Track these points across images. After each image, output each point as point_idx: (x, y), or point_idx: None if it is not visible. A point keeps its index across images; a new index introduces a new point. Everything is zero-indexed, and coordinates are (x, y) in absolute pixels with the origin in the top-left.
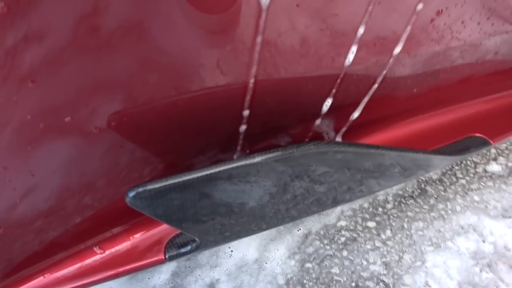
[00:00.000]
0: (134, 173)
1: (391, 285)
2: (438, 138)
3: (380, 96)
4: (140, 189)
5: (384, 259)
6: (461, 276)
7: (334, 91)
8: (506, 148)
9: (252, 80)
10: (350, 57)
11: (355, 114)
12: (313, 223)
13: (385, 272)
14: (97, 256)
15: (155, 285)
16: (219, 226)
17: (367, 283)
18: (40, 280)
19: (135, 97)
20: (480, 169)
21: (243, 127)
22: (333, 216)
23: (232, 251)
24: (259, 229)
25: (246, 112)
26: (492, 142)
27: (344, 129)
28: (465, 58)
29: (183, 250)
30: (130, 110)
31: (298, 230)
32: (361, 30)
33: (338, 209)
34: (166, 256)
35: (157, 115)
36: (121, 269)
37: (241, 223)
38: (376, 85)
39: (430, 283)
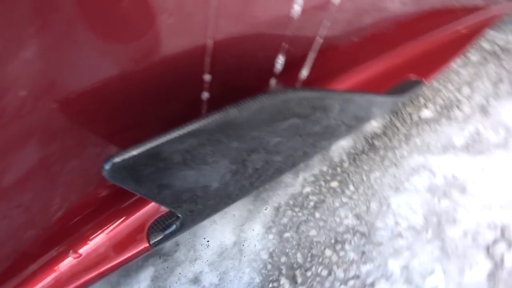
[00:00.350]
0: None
1: (366, 233)
2: (379, 85)
3: (324, 51)
4: (116, 159)
5: (354, 212)
6: (423, 210)
7: (284, 45)
8: (432, 96)
9: (210, 41)
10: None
11: (304, 72)
12: (280, 196)
13: (357, 222)
14: (74, 261)
15: None
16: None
17: (345, 236)
18: None
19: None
20: (415, 117)
21: (205, 93)
22: (297, 185)
23: (208, 241)
24: (230, 204)
25: (207, 76)
26: (425, 81)
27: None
28: (393, 6)
29: (167, 231)
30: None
31: (265, 209)
32: None
33: (300, 177)
34: (151, 243)
35: (117, 86)
36: (103, 268)
37: (209, 204)
38: (320, 39)
39: (399, 222)
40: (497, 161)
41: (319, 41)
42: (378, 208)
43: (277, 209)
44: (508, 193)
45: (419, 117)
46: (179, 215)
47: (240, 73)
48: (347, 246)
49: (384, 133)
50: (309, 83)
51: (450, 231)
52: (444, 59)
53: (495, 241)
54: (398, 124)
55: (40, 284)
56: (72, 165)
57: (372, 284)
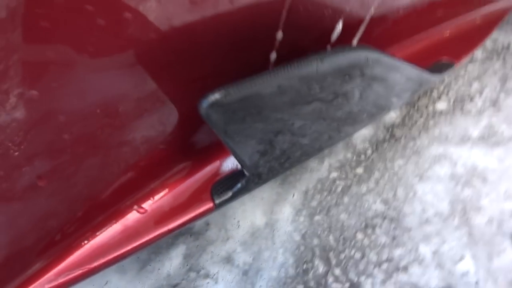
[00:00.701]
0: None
1: (395, 218)
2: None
3: (373, 22)
4: (217, 95)
5: (381, 198)
6: (449, 197)
7: (345, 10)
8: (444, 88)
9: None
10: None
11: (354, 42)
12: (307, 180)
13: (386, 208)
14: (139, 215)
15: (169, 273)
16: (276, 151)
17: (375, 220)
18: (84, 248)
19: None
20: (430, 109)
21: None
22: (323, 170)
23: (239, 221)
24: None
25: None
26: (455, 62)
27: None
28: None
29: (233, 190)
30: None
31: (294, 193)
32: None
33: (326, 163)
34: (216, 202)
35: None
36: (170, 226)
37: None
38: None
39: (427, 208)
40: None
41: (371, 10)
42: (405, 194)
43: (305, 192)
44: None
45: (435, 109)
46: (246, 173)
47: (307, 34)
48: (377, 230)
49: (403, 123)
50: None
51: (476, 218)
52: (472, 43)
53: None
54: (416, 115)
55: (107, 234)
56: (147, 120)
57: (405, 267)
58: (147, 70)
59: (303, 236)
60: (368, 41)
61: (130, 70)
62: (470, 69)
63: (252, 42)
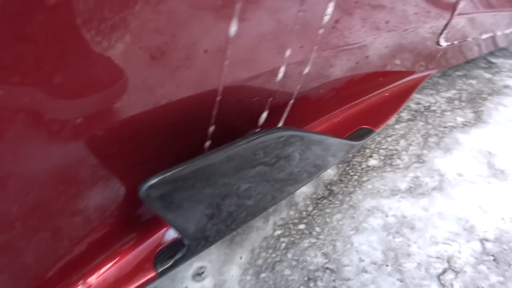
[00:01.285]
0: (112, 188)
1: (335, 269)
2: (340, 132)
3: (298, 102)
4: (154, 180)
5: (322, 251)
6: (381, 246)
7: (270, 100)
8: (375, 147)
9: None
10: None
11: (280, 124)
12: (253, 239)
13: (326, 260)
14: None
15: None
16: (215, 221)
17: (317, 273)
18: None
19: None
20: (364, 165)
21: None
22: (268, 228)
23: (187, 286)
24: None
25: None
26: (375, 130)
27: None
28: (349, 64)
29: (170, 261)
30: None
31: (241, 252)
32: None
33: (271, 221)
34: (158, 271)
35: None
36: None
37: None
38: (295, 92)
39: (363, 258)
40: (436, 201)
41: (296, 92)
42: (343, 246)
43: (252, 251)
44: (448, 228)
45: (367, 165)
46: (185, 243)
47: (238, 119)
48: (319, 283)
49: (340, 180)
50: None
51: (406, 264)
52: (389, 111)
53: (444, 271)
54: (351, 172)
55: None
56: (100, 188)
57: None
58: (96, 152)
59: None
60: (295, 118)
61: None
62: (397, 128)
63: (188, 135)
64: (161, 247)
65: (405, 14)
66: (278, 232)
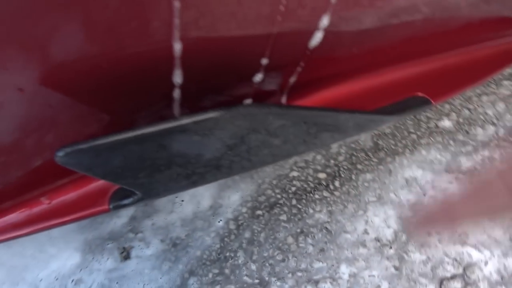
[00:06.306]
0: (72, 130)
1: (333, 232)
2: (381, 97)
3: (320, 55)
4: (68, 149)
5: (329, 208)
6: (396, 225)
7: (268, 50)
8: (460, 105)
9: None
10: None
11: (292, 79)
12: (267, 173)
13: (329, 220)
14: (44, 206)
15: (113, 229)
16: (164, 179)
17: (312, 229)
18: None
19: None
20: (432, 124)
21: (176, 90)
22: (286, 166)
23: (183, 200)
24: (206, 181)
25: (177, 72)
26: (433, 102)
27: (286, 89)
28: (408, 16)
29: (125, 201)
30: (59, 68)
31: (248, 181)
32: None
33: (291, 160)
34: (110, 206)
35: (88, 74)
36: (67, 218)
37: (193, 174)
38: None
39: (368, 231)
40: None
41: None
42: (354, 210)
43: (259, 185)
44: (491, 232)
45: (436, 125)
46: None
47: (216, 75)
48: (309, 239)
49: (393, 134)
50: (303, 84)
51: (414, 254)
52: (463, 81)
53: (453, 277)
54: (411, 128)
55: (14, 217)
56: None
57: (317, 282)
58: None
59: (238, 227)
60: (313, 73)
61: None
62: (504, 85)
63: (152, 79)
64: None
65: None
66: (295, 174)
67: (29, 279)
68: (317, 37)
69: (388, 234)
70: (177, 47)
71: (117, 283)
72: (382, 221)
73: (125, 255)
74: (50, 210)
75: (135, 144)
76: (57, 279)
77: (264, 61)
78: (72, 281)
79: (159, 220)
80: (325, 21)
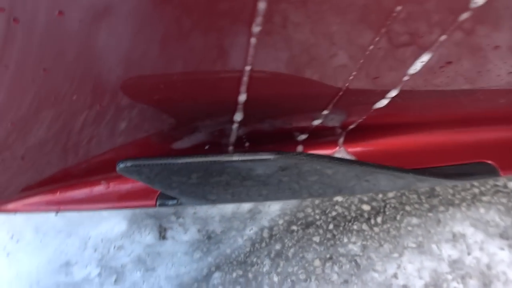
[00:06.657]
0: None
1: (361, 267)
2: (445, 156)
3: (384, 113)
4: (129, 164)
5: (364, 242)
6: (430, 279)
7: (331, 106)
8: None
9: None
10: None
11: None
12: None
13: (361, 253)
14: (101, 188)
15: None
16: (204, 193)
17: (341, 258)
18: (55, 195)
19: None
20: (500, 183)
21: (235, 124)
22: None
23: None
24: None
25: (238, 114)
26: (501, 173)
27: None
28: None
29: (170, 202)
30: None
31: (287, 204)
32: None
33: None
34: (157, 204)
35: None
36: (118, 204)
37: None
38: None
39: (398, 275)
40: None
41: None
42: (389, 251)
43: (301, 201)
44: None
45: (505, 185)
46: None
47: (278, 111)
48: (336, 267)
49: (453, 185)
50: (364, 127)
51: None
52: None
53: None
54: (476, 182)
55: (76, 193)
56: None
57: None
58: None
59: (271, 236)
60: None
61: None
62: None
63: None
64: None
65: None
66: (339, 199)
67: (80, 234)
68: (382, 103)
69: (418, 285)
70: (242, 98)
71: (151, 258)
72: (415, 270)
73: (164, 235)
74: (106, 193)
75: (191, 168)
76: (102, 241)
77: (326, 112)
78: (115, 247)
79: (200, 210)
80: (393, 93)
